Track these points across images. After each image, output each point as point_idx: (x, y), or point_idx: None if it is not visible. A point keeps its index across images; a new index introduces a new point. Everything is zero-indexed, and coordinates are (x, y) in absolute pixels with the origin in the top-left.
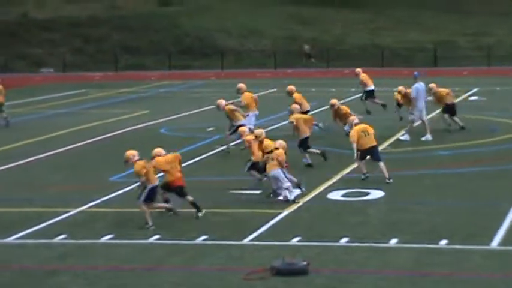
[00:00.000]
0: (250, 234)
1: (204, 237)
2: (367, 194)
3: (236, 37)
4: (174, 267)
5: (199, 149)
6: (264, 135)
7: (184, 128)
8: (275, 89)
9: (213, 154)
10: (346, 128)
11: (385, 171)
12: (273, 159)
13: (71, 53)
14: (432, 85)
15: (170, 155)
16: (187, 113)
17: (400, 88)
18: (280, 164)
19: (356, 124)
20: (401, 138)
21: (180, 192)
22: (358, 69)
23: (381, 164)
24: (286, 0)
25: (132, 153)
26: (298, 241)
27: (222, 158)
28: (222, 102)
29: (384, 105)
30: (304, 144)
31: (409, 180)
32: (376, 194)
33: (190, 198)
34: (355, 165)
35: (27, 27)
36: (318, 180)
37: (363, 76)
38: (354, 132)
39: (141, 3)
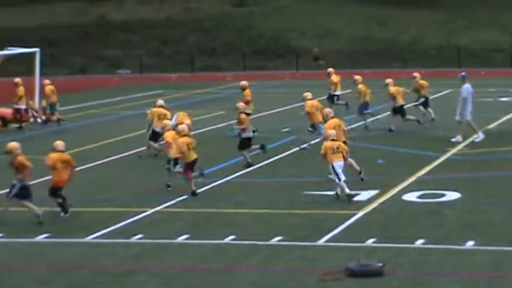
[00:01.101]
0: (325, 235)
1: (278, 238)
2: (443, 195)
3: (311, 37)
4: (249, 267)
5: (274, 149)
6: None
7: (259, 128)
8: (351, 90)
9: (288, 155)
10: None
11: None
12: (339, 151)
13: (148, 54)
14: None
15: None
16: (262, 114)
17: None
18: (344, 157)
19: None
20: (476, 140)
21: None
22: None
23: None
24: (362, 0)
25: (15, 146)
26: (374, 242)
27: (296, 159)
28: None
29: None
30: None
31: (485, 182)
32: (452, 195)
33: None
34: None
35: (105, 29)
36: (393, 181)
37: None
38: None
39: (215, 5)
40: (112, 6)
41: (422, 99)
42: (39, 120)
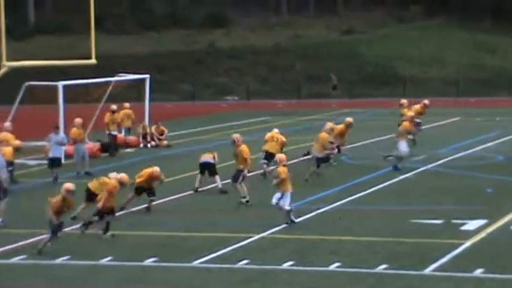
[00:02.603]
0: (431, 264)
1: (384, 266)
2: None
3: (417, 65)
4: None
5: (380, 177)
6: None
7: (366, 155)
8: (458, 118)
9: (393, 183)
10: None
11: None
12: None
13: (256, 81)
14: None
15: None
16: (369, 141)
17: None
18: None
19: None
20: None
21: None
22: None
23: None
24: (469, 27)
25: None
26: (481, 273)
27: (400, 187)
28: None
29: None
30: None
31: None
32: None
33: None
34: None
35: (213, 56)
36: (501, 211)
37: None
38: None
39: (323, 32)
40: (221, 33)
41: None
42: (149, 145)
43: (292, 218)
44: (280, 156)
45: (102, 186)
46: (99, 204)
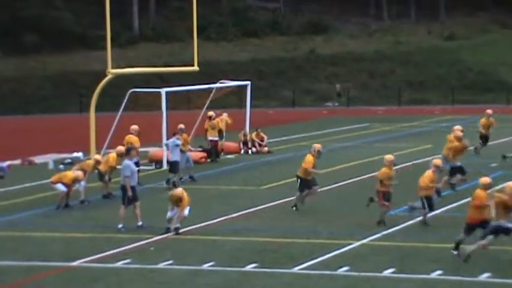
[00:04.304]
0: None
1: (487, 274)
2: None
3: None
4: None
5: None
6: None
7: (467, 163)
8: None
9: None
10: None
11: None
12: None
13: (356, 87)
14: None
15: None
16: (470, 148)
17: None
18: None
19: None
20: None
21: None
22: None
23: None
24: None
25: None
26: None
27: None
28: None
29: None
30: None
31: None
32: None
33: None
34: None
35: (314, 63)
36: None
37: None
38: None
39: (425, 39)
40: (321, 40)
41: None
42: (250, 152)
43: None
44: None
45: None
46: None
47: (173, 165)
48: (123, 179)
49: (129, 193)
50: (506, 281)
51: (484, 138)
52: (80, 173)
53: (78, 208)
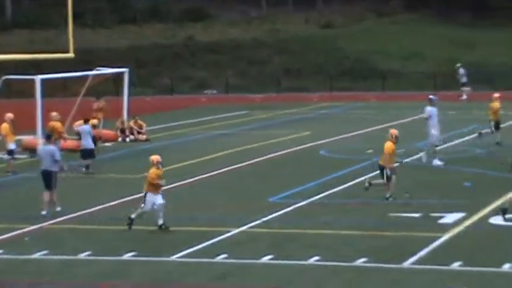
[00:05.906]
0: (410, 257)
1: (363, 259)
2: None
3: (396, 59)
4: None
5: (358, 171)
6: None
7: (344, 149)
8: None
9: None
10: None
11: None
12: None
13: (235, 75)
14: None
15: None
16: (348, 135)
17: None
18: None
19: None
20: None
21: None
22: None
23: None
24: (449, 22)
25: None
26: (459, 266)
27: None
28: None
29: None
30: None
31: None
32: None
33: None
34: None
35: (192, 50)
36: (479, 204)
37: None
38: None
39: (302, 27)
40: (200, 27)
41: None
42: (127, 139)
43: None
44: None
45: None
46: None
47: (86, 152)
48: None
49: None
50: (383, 265)
51: (496, 124)
52: None
53: None
